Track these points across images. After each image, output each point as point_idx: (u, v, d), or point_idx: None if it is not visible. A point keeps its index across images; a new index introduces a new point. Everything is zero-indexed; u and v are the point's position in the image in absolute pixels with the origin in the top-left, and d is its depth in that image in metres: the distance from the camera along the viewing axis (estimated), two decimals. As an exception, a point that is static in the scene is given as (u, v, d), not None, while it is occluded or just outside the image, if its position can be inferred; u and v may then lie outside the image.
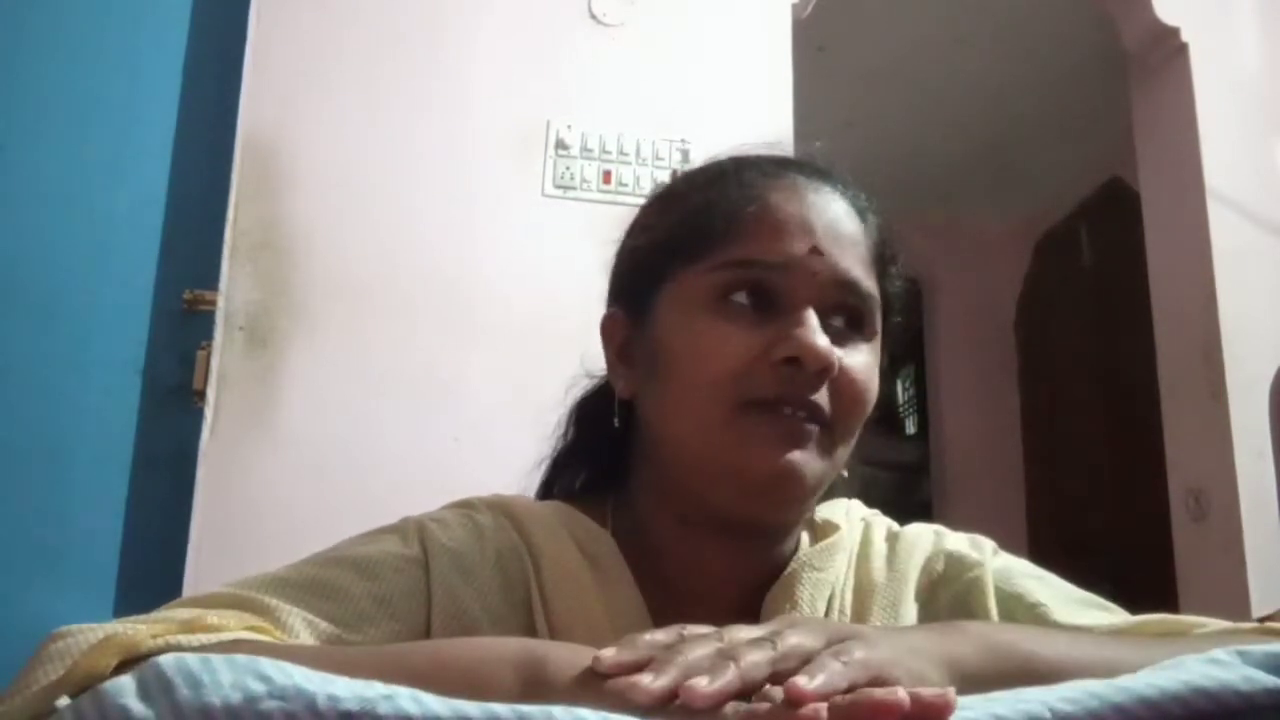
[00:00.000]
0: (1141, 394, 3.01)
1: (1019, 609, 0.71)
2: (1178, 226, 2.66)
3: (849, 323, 0.71)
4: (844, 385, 0.68)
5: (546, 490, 0.84)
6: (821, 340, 0.66)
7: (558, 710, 0.39)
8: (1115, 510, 3.66)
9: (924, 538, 0.78)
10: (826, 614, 0.71)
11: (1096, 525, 3.74)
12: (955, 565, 0.75)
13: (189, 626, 0.53)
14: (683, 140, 2.15)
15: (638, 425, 0.75)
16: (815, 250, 0.69)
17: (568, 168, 2.11)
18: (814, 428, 0.67)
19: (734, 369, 0.67)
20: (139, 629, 0.51)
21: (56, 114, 1.93)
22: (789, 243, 0.69)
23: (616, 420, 0.76)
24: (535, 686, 0.46)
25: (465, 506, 0.74)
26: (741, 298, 0.69)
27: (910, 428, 5.26)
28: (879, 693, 0.41)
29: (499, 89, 2.14)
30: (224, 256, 1.93)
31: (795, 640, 0.48)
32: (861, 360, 0.70)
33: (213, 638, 0.52)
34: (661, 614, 0.68)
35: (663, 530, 0.72)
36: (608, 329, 0.78)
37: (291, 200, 2.00)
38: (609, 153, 2.13)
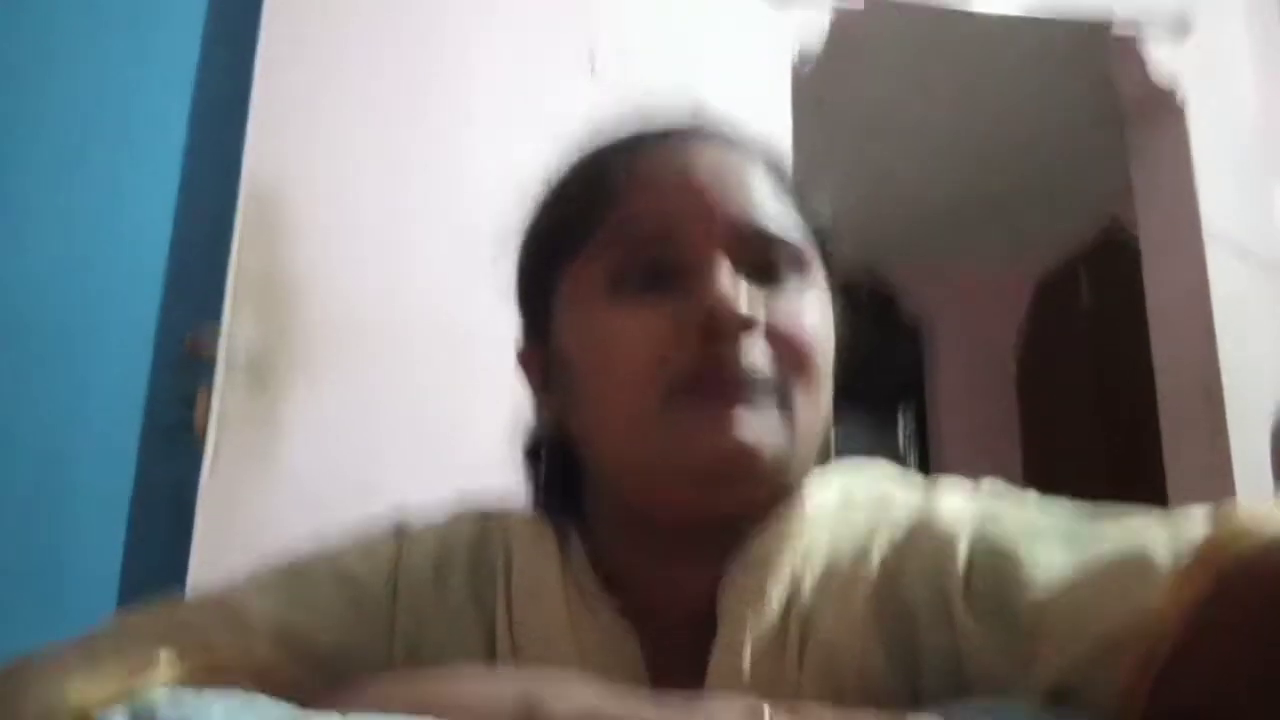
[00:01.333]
0: (1142, 436, 3.00)
1: (1004, 581, 0.56)
2: (1176, 270, 2.67)
3: (770, 266, 0.61)
4: (781, 333, 0.59)
5: None
6: (733, 293, 0.57)
7: None
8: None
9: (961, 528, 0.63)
10: (789, 604, 0.60)
11: (1099, 569, 3.72)
12: (925, 533, 0.61)
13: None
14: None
15: (576, 449, 0.65)
16: (704, 199, 0.60)
17: (568, 211, 2.12)
18: (756, 392, 0.57)
19: (651, 355, 0.57)
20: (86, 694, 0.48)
21: (60, 157, 1.95)
22: (673, 201, 0.60)
23: (544, 460, 0.68)
24: None
25: (453, 512, 0.69)
26: (638, 276, 0.59)
27: (911, 467, 5.25)
28: None
29: (499, 139, 2.16)
30: (226, 297, 1.93)
31: None
32: (798, 302, 0.60)
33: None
34: (642, 640, 0.61)
35: (625, 555, 0.63)
36: (525, 364, 0.69)
37: (293, 243, 2.01)
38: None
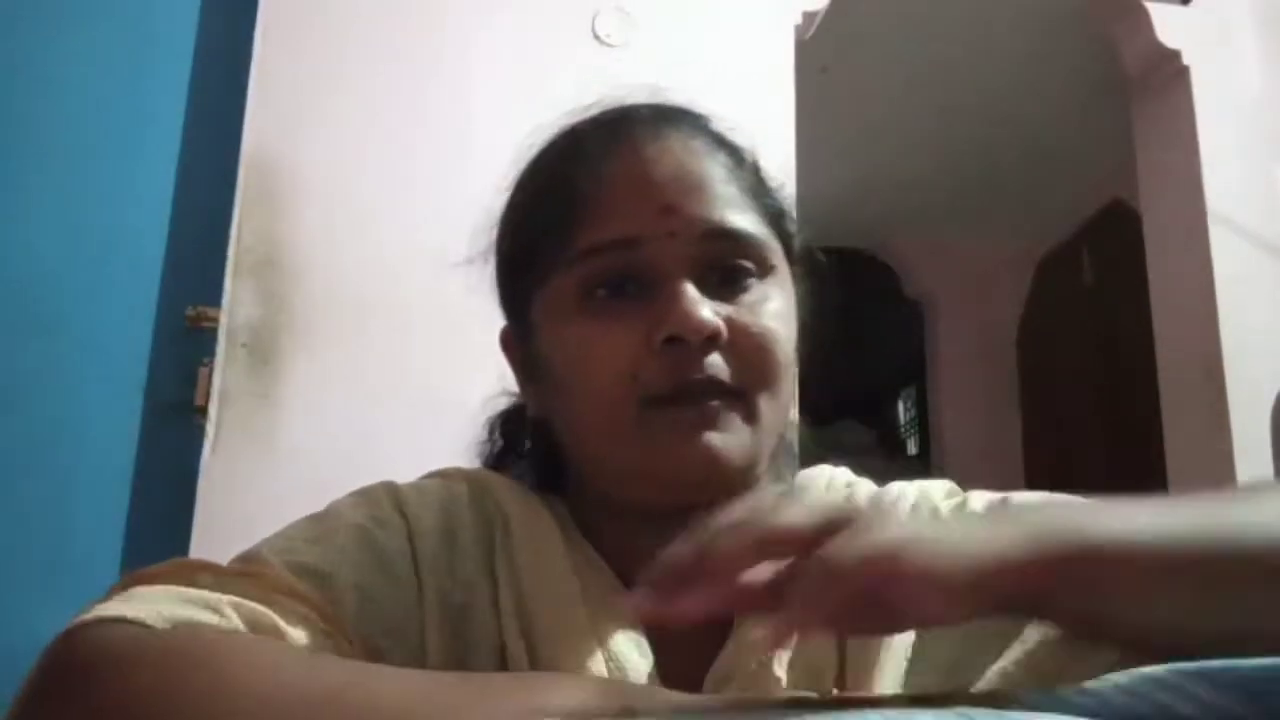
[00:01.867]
0: (1143, 415, 3.01)
1: None
2: (1179, 248, 2.66)
3: (736, 270, 0.64)
4: (742, 343, 0.62)
5: None
6: (697, 310, 0.60)
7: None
8: (1117, 532, 3.65)
9: (908, 491, 0.70)
10: None
11: (1098, 547, 3.73)
12: (946, 514, 0.67)
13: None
14: (685, 160, 2.16)
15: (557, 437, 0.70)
16: (667, 209, 0.63)
17: (570, 187, 2.12)
18: (722, 402, 0.61)
19: (622, 369, 0.61)
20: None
21: (60, 132, 1.94)
22: (637, 211, 0.63)
23: (529, 442, 0.72)
24: None
25: (441, 475, 0.71)
26: (608, 289, 0.63)
27: (912, 448, 5.26)
28: None
29: (502, 107, 2.15)
30: (227, 274, 1.93)
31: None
32: (761, 308, 0.64)
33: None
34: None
35: (615, 530, 0.67)
36: (506, 345, 0.74)
37: (294, 218, 2.01)
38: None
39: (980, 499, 0.68)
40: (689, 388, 0.61)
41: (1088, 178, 3.86)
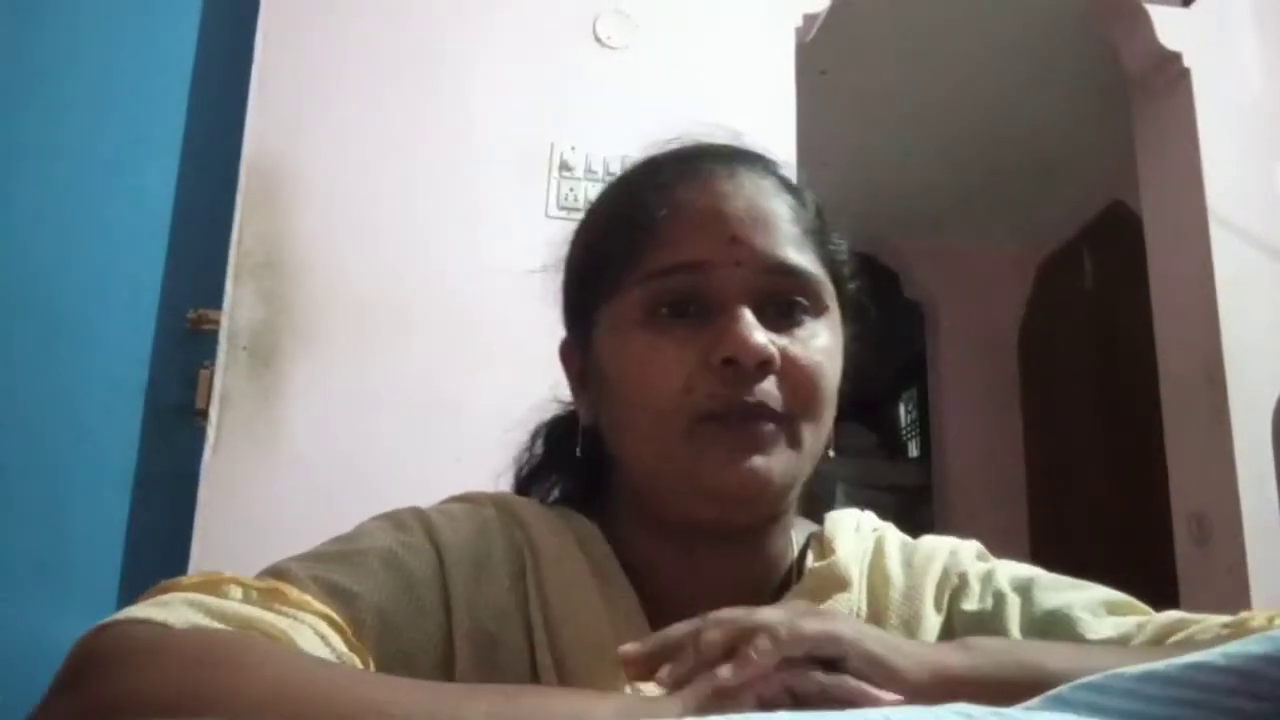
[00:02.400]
0: (1144, 418, 3.00)
1: (1052, 623, 0.68)
2: (1180, 250, 2.66)
3: (793, 305, 0.68)
4: (792, 373, 0.66)
5: None
6: (754, 335, 0.65)
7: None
8: (1117, 534, 3.65)
9: (940, 549, 0.75)
10: None
11: (1098, 549, 3.73)
12: (974, 582, 0.73)
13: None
14: (686, 162, 2.16)
15: (606, 447, 0.74)
16: (735, 239, 0.67)
17: (571, 189, 2.12)
18: (769, 425, 0.65)
19: (677, 385, 0.65)
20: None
21: (61, 133, 1.94)
22: (706, 239, 0.67)
23: (579, 449, 0.75)
24: None
25: (469, 500, 0.73)
26: (672, 308, 0.67)
27: (913, 450, 5.25)
28: None
29: (503, 110, 2.16)
30: (228, 276, 1.93)
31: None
32: (812, 343, 0.68)
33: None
34: (657, 624, 0.66)
35: (646, 548, 0.71)
36: (565, 356, 0.78)
37: (295, 220, 2.01)
38: (613, 174, 2.13)
39: (1008, 571, 0.73)
40: (740, 408, 0.65)
41: (1088, 179, 3.86)
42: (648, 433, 0.67)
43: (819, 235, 0.72)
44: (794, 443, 0.66)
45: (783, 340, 0.66)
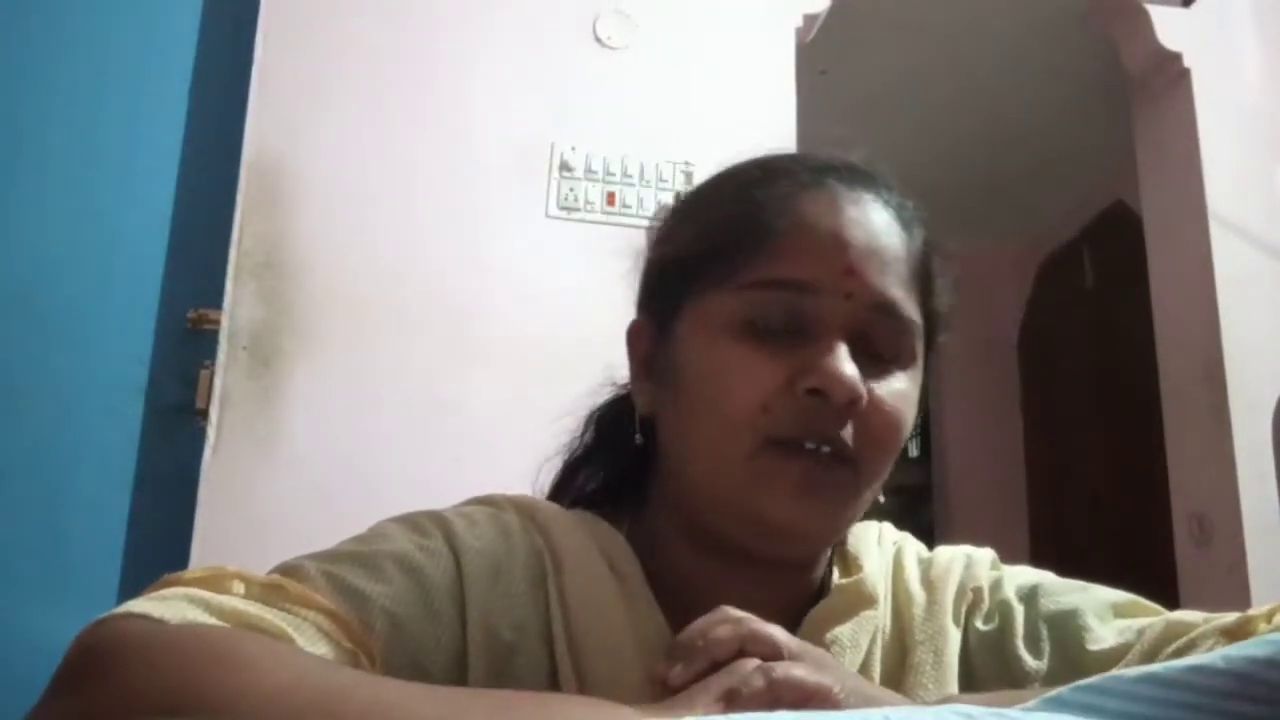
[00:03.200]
0: (1144, 417, 3.00)
1: (1058, 629, 0.68)
2: (1180, 250, 2.66)
3: (885, 349, 0.66)
4: (873, 419, 0.64)
5: (557, 492, 0.80)
6: (849, 370, 0.62)
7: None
8: (1118, 534, 3.65)
9: (956, 563, 0.74)
10: (869, 648, 0.68)
11: (1099, 548, 3.73)
12: (986, 597, 0.72)
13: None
14: (686, 162, 2.16)
15: (657, 442, 0.71)
16: (850, 271, 0.65)
17: (571, 189, 2.12)
18: (837, 467, 0.63)
19: (756, 401, 0.63)
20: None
21: (61, 133, 1.94)
22: (822, 263, 0.65)
23: (638, 436, 0.72)
24: None
25: (490, 504, 0.71)
26: (769, 323, 0.65)
27: (913, 450, 5.25)
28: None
29: (503, 110, 2.16)
30: (228, 276, 1.93)
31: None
32: (895, 391, 0.66)
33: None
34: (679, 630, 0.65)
35: (680, 554, 0.69)
36: (633, 339, 0.74)
37: (296, 220, 2.01)
38: (613, 174, 2.14)
39: (1015, 579, 0.72)
40: (816, 440, 0.63)
41: (1089, 179, 3.86)
42: (712, 444, 0.64)
43: (925, 280, 0.70)
44: (854, 492, 0.65)
45: (869, 383, 0.64)
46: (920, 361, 0.69)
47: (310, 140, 2.06)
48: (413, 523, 0.66)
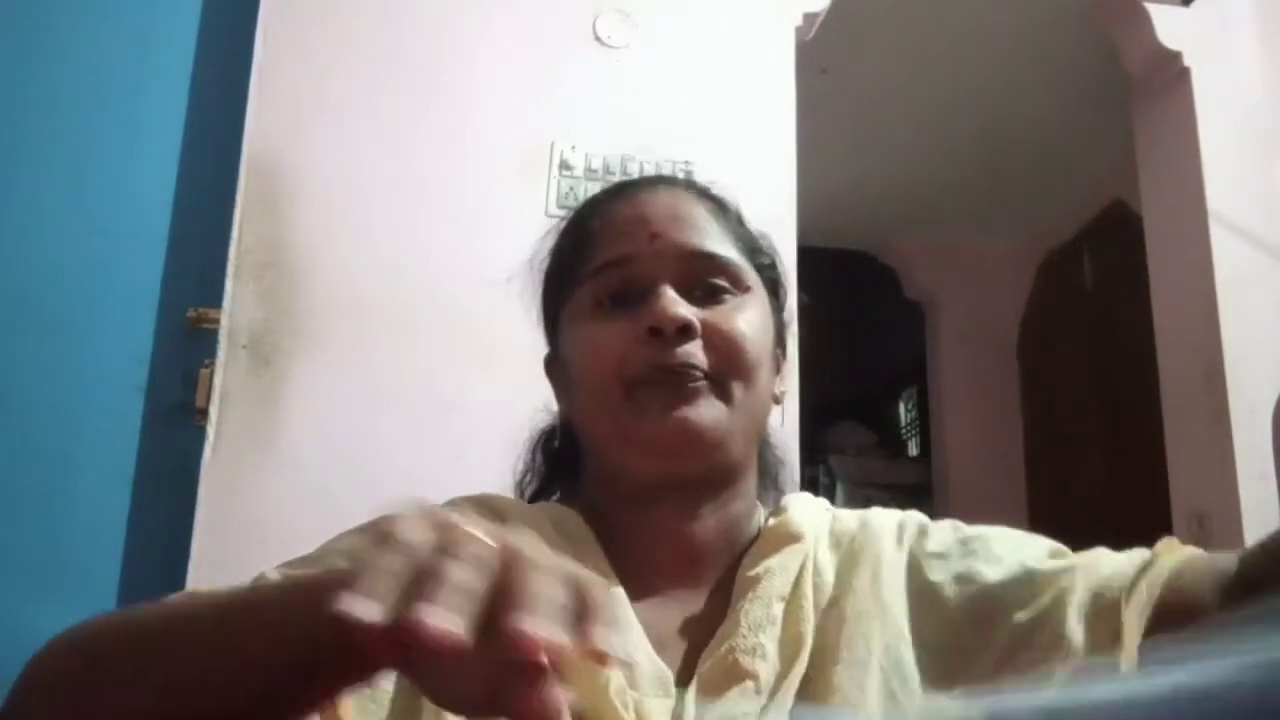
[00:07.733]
0: (1144, 417, 3.00)
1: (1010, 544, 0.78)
2: (1180, 250, 2.66)
3: (715, 286, 0.78)
4: (715, 338, 0.75)
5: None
6: (672, 305, 0.74)
7: None
8: (1118, 533, 3.63)
9: (894, 512, 0.84)
10: (799, 578, 0.75)
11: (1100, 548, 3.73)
12: (934, 531, 0.81)
13: None
14: (686, 161, 2.16)
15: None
16: (654, 235, 0.78)
17: (571, 188, 2.12)
18: (696, 382, 0.74)
19: (614, 356, 0.75)
20: None
21: (61, 132, 1.94)
22: (630, 238, 0.79)
23: (557, 440, 0.86)
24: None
25: (449, 505, 0.76)
26: (610, 298, 0.78)
27: (913, 449, 5.25)
28: None
29: (503, 110, 2.15)
30: (228, 275, 1.93)
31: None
32: (734, 314, 0.77)
33: None
34: (632, 586, 0.73)
35: (618, 514, 0.78)
36: (549, 368, 0.87)
37: (295, 219, 2.01)
38: (613, 174, 2.14)
39: (940, 533, 0.81)
40: (666, 370, 0.74)
41: (1088, 179, 3.86)
42: (596, 405, 0.76)
43: (737, 231, 0.83)
44: (723, 397, 0.74)
45: (704, 313, 0.76)
46: (760, 291, 0.81)
47: (310, 140, 2.05)
48: (362, 527, 0.72)
